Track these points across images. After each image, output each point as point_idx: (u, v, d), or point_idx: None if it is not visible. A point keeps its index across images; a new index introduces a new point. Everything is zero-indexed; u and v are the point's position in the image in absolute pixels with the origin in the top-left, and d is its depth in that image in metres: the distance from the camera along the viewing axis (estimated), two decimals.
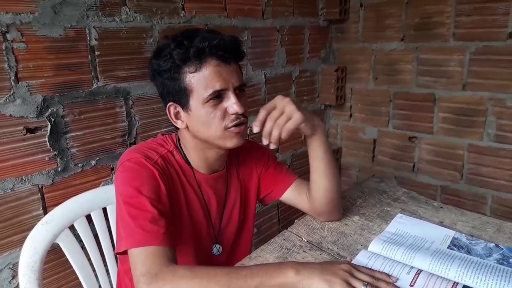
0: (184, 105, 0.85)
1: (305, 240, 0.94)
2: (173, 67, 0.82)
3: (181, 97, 0.84)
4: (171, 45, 0.82)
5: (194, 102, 0.83)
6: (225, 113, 0.84)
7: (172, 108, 0.87)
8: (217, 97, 0.82)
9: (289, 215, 2.03)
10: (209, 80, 0.81)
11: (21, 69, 1.03)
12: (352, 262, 0.81)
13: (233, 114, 0.84)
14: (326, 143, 0.94)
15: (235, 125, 0.85)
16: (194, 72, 0.81)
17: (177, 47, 0.81)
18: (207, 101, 0.82)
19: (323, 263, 0.76)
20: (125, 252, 0.76)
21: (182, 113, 0.87)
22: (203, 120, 0.84)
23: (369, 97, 2.02)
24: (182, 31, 0.85)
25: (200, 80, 0.81)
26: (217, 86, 0.81)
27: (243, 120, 0.86)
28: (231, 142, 0.87)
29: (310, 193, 0.99)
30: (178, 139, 0.94)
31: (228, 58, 0.83)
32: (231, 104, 0.83)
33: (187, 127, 0.88)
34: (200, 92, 0.82)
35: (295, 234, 0.97)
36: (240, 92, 0.86)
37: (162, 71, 0.84)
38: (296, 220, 1.03)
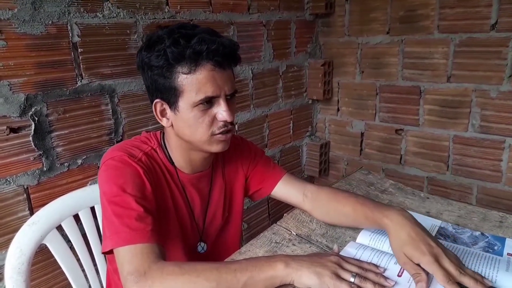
0: (172, 104, 0.82)
1: (294, 234, 0.94)
2: (165, 64, 0.78)
3: (170, 96, 0.81)
4: (166, 41, 0.78)
5: (183, 103, 0.81)
6: (213, 119, 0.83)
7: (158, 105, 0.85)
8: (208, 102, 0.81)
9: (278, 210, 2.04)
10: (202, 85, 0.79)
11: (2, 67, 1.01)
12: (340, 253, 0.81)
13: (221, 121, 0.83)
14: None
15: (222, 133, 0.84)
16: (187, 73, 0.78)
17: (173, 44, 0.77)
18: (197, 105, 0.80)
19: (312, 255, 0.77)
20: (111, 251, 0.75)
21: (168, 111, 0.84)
22: (190, 123, 0.82)
23: (356, 90, 2.03)
24: (179, 25, 0.82)
25: (193, 83, 0.78)
26: (210, 92, 0.79)
27: (230, 128, 0.85)
28: (216, 148, 0.86)
29: (326, 212, 0.96)
30: (163, 137, 0.93)
31: (225, 64, 0.80)
32: (221, 111, 0.82)
33: (172, 125, 0.86)
34: (191, 95, 0.79)
35: (284, 228, 0.97)
36: (230, 98, 0.84)
37: (153, 66, 0.80)
38: (285, 214, 1.04)
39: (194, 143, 0.86)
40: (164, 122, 0.87)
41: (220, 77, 0.80)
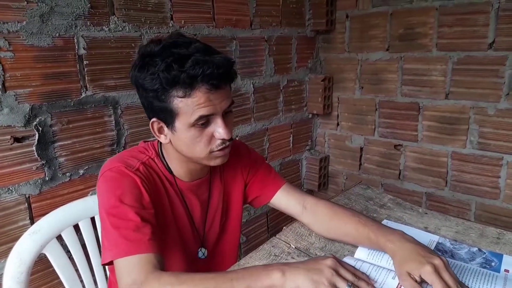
0: (169, 124, 0.82)
1: (293, 247, 0.95)
2: (160, 88, 0.77)
3: (166, 117, 0.81)
4: (159, 65, 0.76)
5: (180, 124, 0.80)
6: (211, 137, 0.83)
7: (155, 124, 0.85)
8: (204, 121, 0.80)
9: (278, 223, 2.04)
10: (198, 106, 0.77)
11: (9, 78, 1.02)
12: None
13: (219, 139, 0.83)
14: None
15: (220, 149, 0.85)
16: (182, 97, 0.77)
17: (166, 70, 0.75)
18: (193, 125, 0.80)
19: (308, 261, 0.76)
20: (112, 262, 0.76)
21: (166, 129, 0.85)
22: (188, 142, 0.83)
23: (355, 106, 2.06)
24: (171, 43, 0.79)
25: (188, 105, 0.77)
26: (205, 111, 0.78)
27: (228, 145, 0.86)
28: (214, 162, 0.87)
29: (327, 228, 0.97)
30: (160, 146, 0.94)
31: (220, 84, 0.79)
32: (218, 130, 0.81)
33: (170, 142, 0.86)
34: (187, 116, 0.79)
35: (284, 241, 0.98)
36: (227, 113, 0.84)
37: (148, 89, 0.79)
38: (284, 227, 1.04)
39: (193, 159, 0.87)
40: (162, 138, 0.87)
41: (215, 97, 0.79)
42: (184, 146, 0.84)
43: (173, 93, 0.77)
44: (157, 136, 0.87)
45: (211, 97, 0.78)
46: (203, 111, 0.78)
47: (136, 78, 0.81)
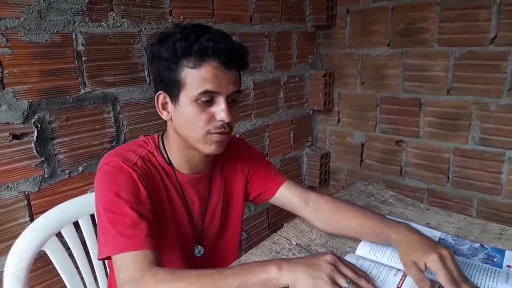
0: (174, 97, 0.83)
1: (294, 243, 0.94)
2: (172, 57, 0.80)
3: (173, 88, 0.83)
4: (177, 35, 0.80)
5: (184, 97, 0.82)
6: (211, 118, 0.83)
7: (161, 97, 0.86)
8: (208, 99, 0.82)
9: (278, 220, 2.04)
10: (204, 80, 0.80)
11: (7, 74, 1.02)
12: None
13: (219, 121, 0.83)
14: None
15: (218, 133, 0.84)
16: (192, 68, 0.80)
17: (182, 39, 0.79)
18: (196, 100, 0.81)
19: (307, 258, 0.75)
20: (109, 258, 0.76)
21: (169, 104, 0.86)
22: (188, 118, 0.83)
23: (356, 102, 2.05)
24: (193, 24, 0.85)
25: (196, 77, 0.80)
26: (210, 87, 0.80)
27: (227, 131, 0.85)
28: (209, 148, 0.86)
29: (328, 222, 0.96)
30: (161, 139, 0.94)
31: (230, 64, 0.81)
32: (220, 110, 0.82)
33: (171, 119, 0.87)
34: (192, 89, 0.80)
35: (284, 238, 0.97)
36: (232, 101, 0.85)
37: (161, 58, 0.82)
38: (285, 224, 1.04)
39: (189, 140, 0.86)
40: (164, 115, 0.88)
41: (223, 76, 0.81)
42: (184, 123, 0.84)
43: (183, 63, 0.80)
44: (160, 111, 0.88)
45: (218, 75, 0.80)
46: (208, 86, 0.80)
47: (153, 49, 0.85)
